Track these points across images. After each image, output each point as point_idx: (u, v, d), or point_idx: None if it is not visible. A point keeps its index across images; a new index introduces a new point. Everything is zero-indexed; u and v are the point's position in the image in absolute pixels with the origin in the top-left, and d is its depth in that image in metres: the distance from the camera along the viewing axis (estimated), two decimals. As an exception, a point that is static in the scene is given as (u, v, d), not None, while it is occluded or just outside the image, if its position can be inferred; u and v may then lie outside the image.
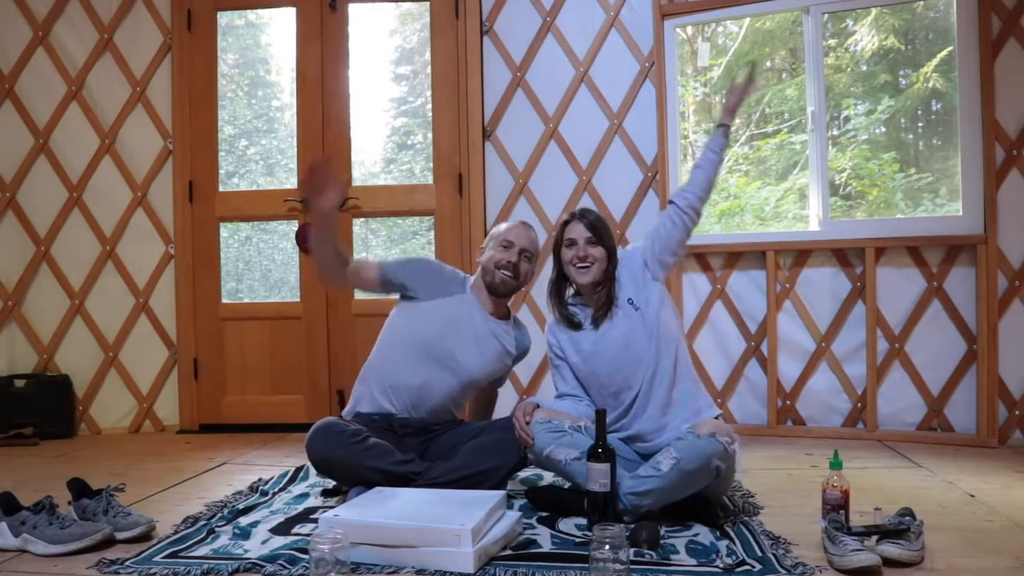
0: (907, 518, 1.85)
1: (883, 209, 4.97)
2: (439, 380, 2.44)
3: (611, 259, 2.29)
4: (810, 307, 3.45)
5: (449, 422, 2.53)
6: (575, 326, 2.34)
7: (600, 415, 2.05)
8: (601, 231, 2.29)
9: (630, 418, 2.27)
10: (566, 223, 2.34)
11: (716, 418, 2.21)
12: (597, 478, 2.00)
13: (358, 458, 2.26)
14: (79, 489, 2.15)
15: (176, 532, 2.08)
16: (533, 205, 3.69)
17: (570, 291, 2.41)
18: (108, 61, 3.78)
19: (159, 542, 1.99)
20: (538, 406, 2.29)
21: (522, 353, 2.62)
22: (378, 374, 2.48)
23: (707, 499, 2.12)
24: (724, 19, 4.86)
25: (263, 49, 4.62)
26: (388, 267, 2.50)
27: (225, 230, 3.96)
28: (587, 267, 2.26)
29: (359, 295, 3.86)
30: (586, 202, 3.65)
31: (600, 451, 2.01)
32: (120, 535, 2.00)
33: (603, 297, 2.29)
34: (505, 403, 3.62)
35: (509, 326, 2.57)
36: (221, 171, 3.90)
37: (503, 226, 2.54)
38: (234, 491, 2.57)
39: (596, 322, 2.30)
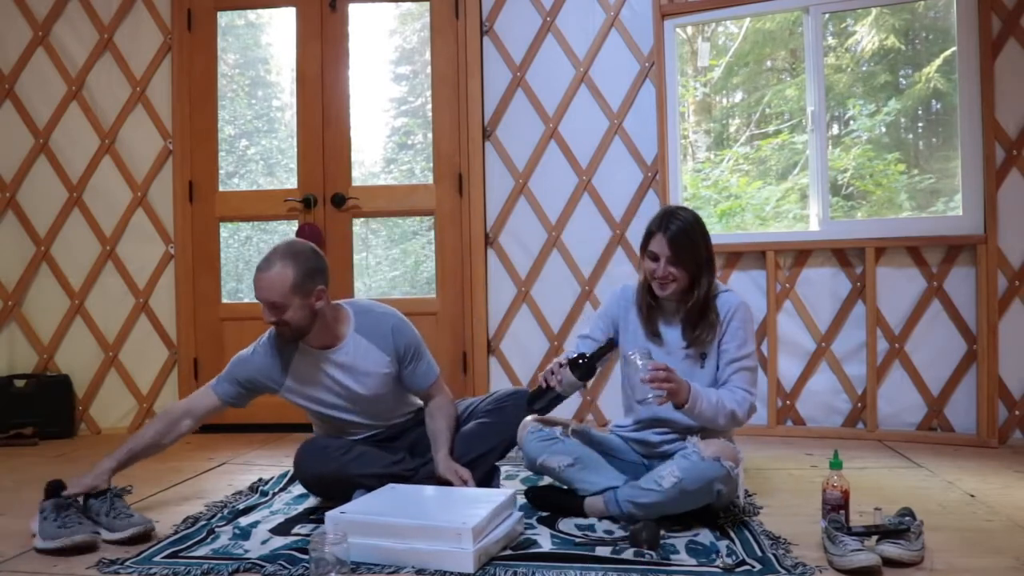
0: (907, 518, 1.85)
1: (886, 209, 4.98)
2: (357, 417, 2.40)
3: (698, 275, 2.15)
4: (810, 307, 3.44)
5: (415, 413, 2.49)
6: (654, 335, 2.24)
7: (609, 344, 2.10)
8: (684, 248, 2.12)
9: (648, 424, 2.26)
10: (651, 233, 2.16)
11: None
12: (565, 384, 2.06)
13: (349, 468, 2.26)
14: (55, 489, 2.11)
15: (176, 532, 2.08)
16: (533, 205, 3.69)
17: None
18: (108, 61, 3.78)
19: (159, 542, 1.99)
20: (563, 364, 2.13)
21: (402, 345, 2.35)
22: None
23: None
24: (724, 19, 4.86)
25: (263, 49, 4.63)
26: (223, 389, 2.34)
27: (225, 230, 3.96)
28: (667, 283, 2.15)
29: (360, 294, 3.87)
30: (586, 202, 3.65)
31: (581, 363, 2.06)
32: (109, 536, 2.00)
33: (697, 327, 2.16)
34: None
35: (346, 344, 2.31)
36: (221, 171, 3.89)
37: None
38: (234, 491, 2.56)
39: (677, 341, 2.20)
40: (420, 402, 2.50)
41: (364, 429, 2.43)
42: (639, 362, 2.00)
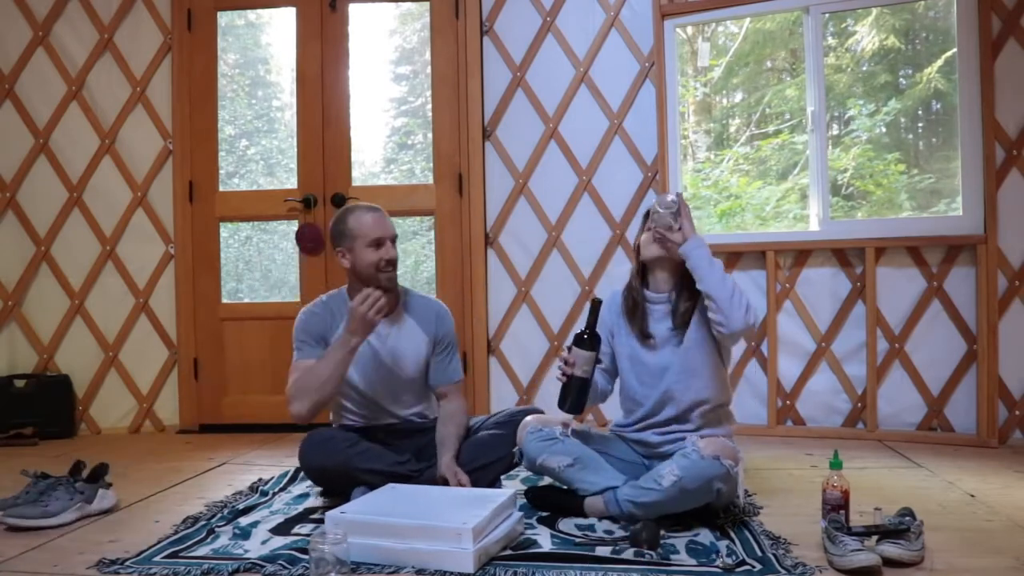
0: (907, 518, 1.85)
1: (886, 209, 4.98)
2: (385, 390, 2.45)
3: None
4: (810, 307, 3.44)
5: (430, 420, 2.51)
6: (645, 336, 2.24)
7: (595, 303, 2.11)
8: (688, 210, 2.21)
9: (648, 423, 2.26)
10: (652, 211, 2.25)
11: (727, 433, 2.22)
12: (581, 364, 2.08)
13: (354, 462, 2.26)
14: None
15: (176, 532, 2.08)
16: (533, 205, 3.69)
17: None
18: (108, 61, 3.78)
19: (160, 542, 1.99)
20: (569, 350, 2.14)
21: (442, 332, 2.48)
22: (338, 405, 2.53)
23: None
24: (724, 19, 4.86)
25: (263, 49, 4.63)
26: (308, 354, 2.42)
27: (225, 230, 3.96)
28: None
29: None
30: (586, 202, 3.65)
31: (586, 337, 2.08)
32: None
33: (683, 307, 2.17)
34: (507, 402, 3.65)
35: (402, 318, 2.45)
36: (221, 171, 3.89)
37: (356, 221, 2.38)
38: (234, 491, 2.56)
39: (666, 339, 2.20)
40: (427, 404, 2.52)
41: (381, 415, 2.45)
42: (667, 198, 2.16)
